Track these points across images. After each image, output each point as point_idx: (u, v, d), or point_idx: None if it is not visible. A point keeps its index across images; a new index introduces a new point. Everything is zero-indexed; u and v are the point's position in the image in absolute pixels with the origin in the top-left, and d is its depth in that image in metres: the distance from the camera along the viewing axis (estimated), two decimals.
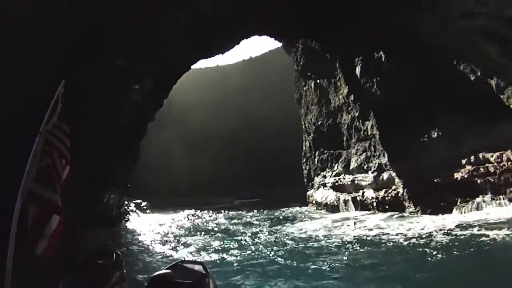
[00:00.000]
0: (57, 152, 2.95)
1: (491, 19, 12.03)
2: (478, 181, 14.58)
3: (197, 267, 1.82)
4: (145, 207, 26.74)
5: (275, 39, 25.74)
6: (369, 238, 12.24)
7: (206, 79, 43.88)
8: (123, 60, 10.61)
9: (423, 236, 11.41)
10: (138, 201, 26.12)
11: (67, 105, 3.04)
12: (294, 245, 11.97)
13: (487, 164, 15.08)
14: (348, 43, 18.08)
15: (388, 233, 12.54)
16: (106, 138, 11.93)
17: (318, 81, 21.92)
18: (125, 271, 2.08)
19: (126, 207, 21.44)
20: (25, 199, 2.62)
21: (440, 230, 11.92)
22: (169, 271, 1.78)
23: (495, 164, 14.88)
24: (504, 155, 14.88)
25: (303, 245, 11.93)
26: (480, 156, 15.30)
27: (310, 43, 21.75)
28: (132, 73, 11.47)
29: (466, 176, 14.93)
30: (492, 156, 15.11)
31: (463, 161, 15.47)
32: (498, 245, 9.34)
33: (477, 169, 15.03)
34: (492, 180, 14.35)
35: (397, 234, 12.28)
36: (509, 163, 14.67)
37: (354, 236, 12.73)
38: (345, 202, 18.82)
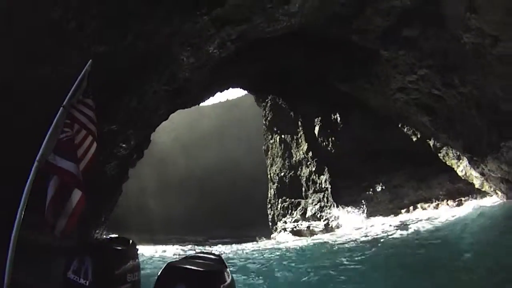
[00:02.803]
0: (80, 125, 2.87)
1: (423, 95, 13.81)
2: None
3: (214, 258, 1.81)
4: None
5: (248, 92, 28.29)
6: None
7: (183, 120, 44.47)
8: (116, 125, 12.69)
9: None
10: (115, 235, 26.64)
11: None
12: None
13: None
14: (308, 105, 20.62)
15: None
16: (95, 184, 13.80)
17: (282, 136, 24.18)
18: (138, 260, 2.04)
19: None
20: (44, 169, 2.49)
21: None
22: (183, 260, 1.76)
23: None
24: (439, 205, 16.58)
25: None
26: (419, 206, 17.08)
27: (277, 100, 24.35)
28: (121, 135, 13.55)
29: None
30: (429, 206, 16.89)
31: (403, 211, 17.29)
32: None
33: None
34: None
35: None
36: None
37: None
38: None
